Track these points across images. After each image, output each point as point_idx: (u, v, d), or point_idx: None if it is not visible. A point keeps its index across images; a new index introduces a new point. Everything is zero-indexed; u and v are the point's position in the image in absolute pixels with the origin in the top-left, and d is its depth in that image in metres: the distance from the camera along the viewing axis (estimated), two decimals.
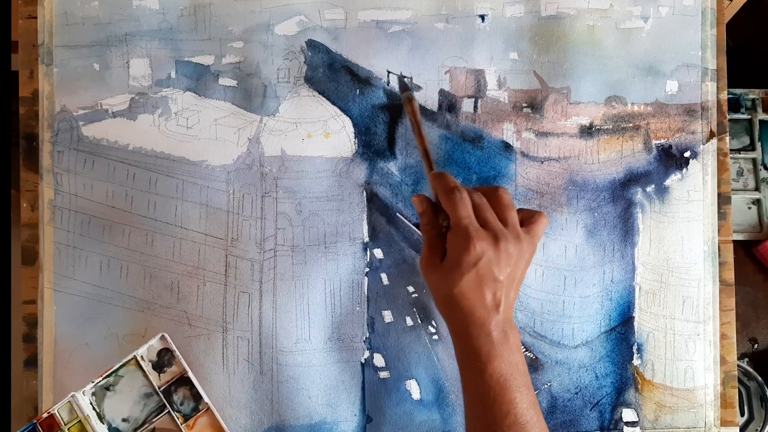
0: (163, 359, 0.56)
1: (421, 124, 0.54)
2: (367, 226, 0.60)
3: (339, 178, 0.60)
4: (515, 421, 0.43)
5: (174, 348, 0.56)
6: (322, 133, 0.60)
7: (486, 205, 0.47)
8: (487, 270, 0.44)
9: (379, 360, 0.59)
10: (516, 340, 0.46)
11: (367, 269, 0.59)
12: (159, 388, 0.56)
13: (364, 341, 0.59)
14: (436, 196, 0.50)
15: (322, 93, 0.60)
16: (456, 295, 0.45)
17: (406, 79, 0.60)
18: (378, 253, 0.59)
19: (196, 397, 0.56)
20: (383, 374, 0.59)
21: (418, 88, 0.60)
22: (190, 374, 0.56)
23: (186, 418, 0.56)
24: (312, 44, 0.60)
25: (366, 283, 0.59)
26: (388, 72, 0.60)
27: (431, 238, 0.48)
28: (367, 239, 0.60)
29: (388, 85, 0.60)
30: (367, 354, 0.59)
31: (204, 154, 0.59)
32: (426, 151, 0.53)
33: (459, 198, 0.46)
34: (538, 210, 0.51)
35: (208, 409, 0.56)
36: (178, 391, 0.56)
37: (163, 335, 0.56)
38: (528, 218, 0.49)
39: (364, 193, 0.60)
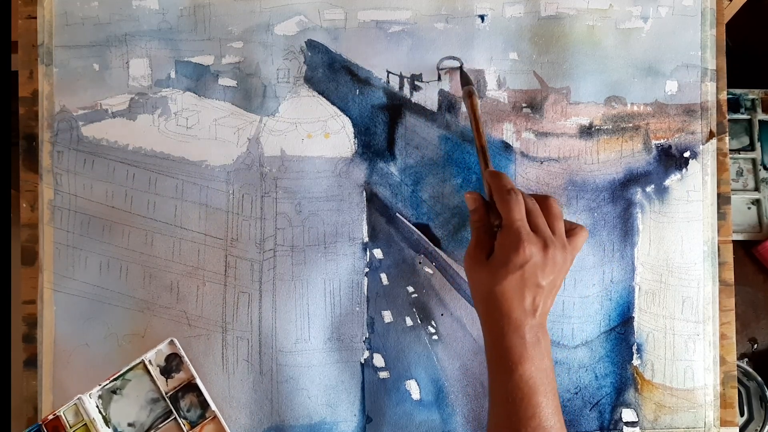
0: (171, 364, 0.56)
1: (481, 120, 0.54)
2: (366, 226, 0.60)
3: (339, 178, 0.60)
4: (539, 424, 0.43)
5: (183, 353, 0.56)
6: (321, 133, 0.60)
7: (539, 212, 0.49)
8: (532, 274, 0.45)
9: (378, 360, 0.59)
10: (548, 346, 0.47)
11: (367, 269, 0.59)
12: (166, 393, 0.56)
13: (363, 341, 0.59)
14: (489, 194, 0.51)
15: (321, 93, 0.60)
16: (497, 293, 0.45)
17: (382, 80, 0.59)
18: (378, 253, 0.59)
19: (203, 405, 0.56)
20: (383, 374, 0.59)
21: (419, 88, 0.60)
22: (198, 381, 0.56)
23: (192, 425, 0.55)
24: (312, 44, 0.60)
25: (366, 283, 0.59)
26: (388, 72, 0.60)
27: (480, 234, 0.50)
28: (366, 239, 0.60)
29: (388, 84, 0.60)
30: (366, 354, 0.59)
31: (204, 154, 0.59)
32: (483, 148, 0.53)
33: (515, 200, 0.47)
34: (579, 223, 0.52)
35: (215, 417, 0.56)
36: (185, 398, 0.56)
37: (172, 340, 0.56)
38: (570, 230, 0.50)
39: (364, 193, 0.60)
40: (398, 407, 0.59)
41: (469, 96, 0.54)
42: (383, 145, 0.60)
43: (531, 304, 0.46)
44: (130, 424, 0.55)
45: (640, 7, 0.61)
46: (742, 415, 0.77)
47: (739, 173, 0.81)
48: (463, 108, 0.60)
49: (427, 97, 0.60)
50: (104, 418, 0.55)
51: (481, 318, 0.49)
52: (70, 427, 0.53)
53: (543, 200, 0.50)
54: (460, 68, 0.59)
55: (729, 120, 0.65)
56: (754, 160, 0.81)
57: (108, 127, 0.59)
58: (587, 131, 0.61)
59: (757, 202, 0.81)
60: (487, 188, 0.51)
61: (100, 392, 0.55)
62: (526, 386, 0.44)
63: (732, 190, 0.74)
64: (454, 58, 0.60)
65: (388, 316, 0.59)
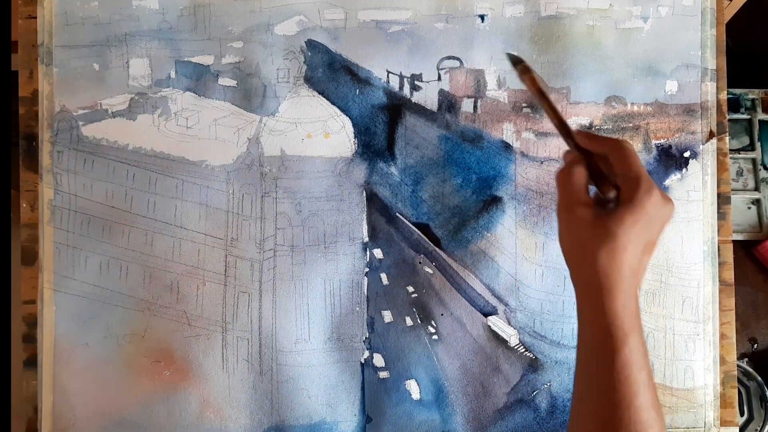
0: None
1: (548, 92, 0.48)
2: (366, 226, 0.60)
3: (339, 178, 0.60)
4: (643, 404, 0.39)
5: None
6: (321, 133, 0.60)
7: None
8: (653, 226, 0.41)
9: (378, 360, 0.59)
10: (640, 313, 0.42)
11: (367, 269, 0.59)
12: None
13: (363, 341, 0.59)
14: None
15: (321, 93, 0.60)
16: (619, 245, 0.40)
17: (382, 80, 0.58)
18: (378, 253, 0.59)
19: None
20: (383, 374, 0.59)
21: (419, 88, 0.60)
22: None
23: None
24: (312, 44, 0.60)
25: (366, 283, 0.59)
26: (388, 72, 0.60)
27: (581, 177, 0.43)
28: (366, 239, 0.60)
29: (387, 84, 0.60)
30: (366, 354, 0.59)
31: (204, 154, 0.59)
32: (561, 121, 0.45)
33: (634, 150, 0.42)
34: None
35: None
36: None
37: None
38: None
39: (364, 193, 0.60)
40: (398, 407, 0.59)
41: (526, 72, 0.46)
42: (383, 145, 0.60)
43: (643, 263, 0.41)
44: None
45: (640, 7, 0.61)
46: (742, 415, 0.77)
47: (739, 173, 0.81)
48: (463, 108, 0.60)
49: (427, 97, 0.60)
50: None
51: (583, 273, 0.42)
52: None
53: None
54: (507, 54, 0.55)
55: (729, 120, 0.65)
56: (754, 160, 0.81)
57: (108, 127, 0.59)
58: (587, 131, 0.61)
59: (757, 202, 0.81)
60: (581, 152, 0.45)
61: None
62: (634, 362, 0.39)
63: (732, 190, 0.74)
64: (454, 58, 0.60)
65: (388, 316, 0.59)
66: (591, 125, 0.61)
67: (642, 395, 0.39)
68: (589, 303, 0.42)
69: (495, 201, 0.60)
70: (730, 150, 0.63)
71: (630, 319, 0.40)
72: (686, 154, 0.61)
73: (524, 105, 0.61)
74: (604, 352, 0.40)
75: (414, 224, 0.60)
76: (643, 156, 0.61)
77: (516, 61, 0.48)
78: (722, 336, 0.61)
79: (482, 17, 0.61)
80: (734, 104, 0.81)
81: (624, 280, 0.40)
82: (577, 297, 0.43)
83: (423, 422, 0.59)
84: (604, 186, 0.44)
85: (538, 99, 0.46)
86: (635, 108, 0.61)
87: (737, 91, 0.81)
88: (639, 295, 0.42)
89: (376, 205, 0.60)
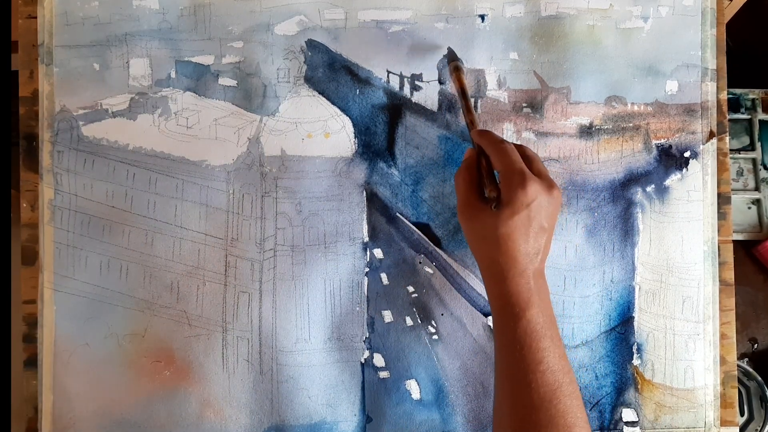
0: None
1: (467, 90, 0.54)
2: (367, 226, 0.60)
3: (339, 178, 0.60)
4: (548, 368, 0.43)
5: None
6: (322, 133, 0.60)
7: (538, 158, 0.49)
8: (537, 214, 0.45)
9: (378, 360, 0.59)
10: (548, 292, 0.47)
11: (367, 269, 0.59)
12: None
13: (363, 341, 0.59)
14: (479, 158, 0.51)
15: (322, 93, 0.60)
16: (502, 235, 0.45)
17: (382, 80, 0.60)
18: (378, 253, 0.59)
19: None
20: (383, 374, 0.59)
21: (419, 88, 0.60)
22: None
23: None
24: (312, 44, 0.60)
25: (366, 283, 0.59)
26: (388, 72, 0.60)
27: (470, 181, 0.49)
28: (367, 239, 0.60)
29: (388, 84, 0.60)
30: (366, 354, 0.59)
31: (204, 154, 0.59)
32: (470, 109, 0.53)
33: (510, 147, 0.47)
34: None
35: None
36: None
37: None
38: None
39: (364, 193, 0.60)
40: (398, 407, 0.59)
41: (456, 70, 0.55)
42: (383, 145, 0.60)
43: (534, 247, 0.45)
44: None
45: (640, 7, 0.61)
46: (742, 415, 0.77)
47: (740, 173, 0.81)
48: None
49: (427, 97, 0.60)
50: None
51: (484, 264, 0.48)
52: None
53: (529, 150, 0.51)
54: (448, 48, 0.60)
55: (729, 120, 0.65)
56: (754, 160, 0.81)
57: (108, 127, 0.59)
58: (587, 131, 0.61)
59: (757, 202, 0.81)
60: (477, 147, 0.50)
61: None
62: (533, 331, 0.44)
63: (732, 189, 0.74)
64: (453, 57, 0.60)
65: (388, 315, 0.59)
66: (591, 125, 0.61)
67: (546, 360, 0.44)
68: (489, 286, 0.47)
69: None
70: (730, 150, 0.63)
71: (526, 296, 0.45)
72: (686, 154, 0.61)
73: (524, 105, 0.61)
74: (506, 325, 0.45)
75: (414, 224, 0.60)
76: (644, 156, 0.61)
77: (451, 58, 0.56)
78: (722, 336, 0.61)
79: (482, 17, 0.61)
80: (734, 104, 0.81)
81: (516, 264, 0.45)
82: (483, 282, 0.49)
83: (423, 422, 0.59)
84: (489, 186, 0.48)
85: (459, 95, 0.54)
86: (635, 108, 0.61)
87: (737, 91, 0.81)
88: (544, 273, 0.48)
89: (376, 205, 0.60)
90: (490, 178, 0.49)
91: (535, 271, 0.46)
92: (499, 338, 0.46)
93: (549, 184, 0.46)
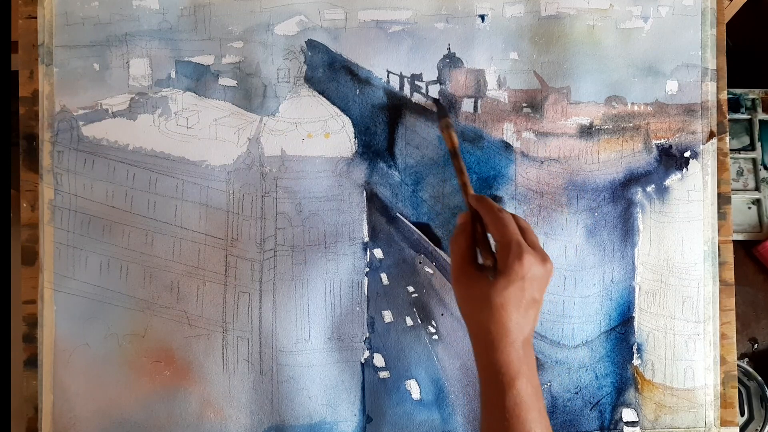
0: None
1: (458, 150, 0.53)
2: (367, 226, 0.60)
3: (339, 178, 0.60)
4: None
5: None
6: (322, 133, 0.60)
7: (531, 230, 0.49)
8: (530, 286, 0.46)
9: (379, 360, 0.59)
10: (535, 361, 0.47)
11: (367, 269, 0.59)
12: None
13: (364, 341, 0.59)
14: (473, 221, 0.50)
15: (322, 93, 0.60)
16: (496, 305, 0.45)
17: (382, 80, 0.59)
18: (378, 253, 0.59)
19: None
20: (383, 374, 0.59)
21: (418, 88, 0.60)
22: None
23: None
24: (312, 44, 0.60)
25: (366, 283, 0.59)
26: (388, 72, 0.60)
27: (466, 247, 0.49)
28: (367, 239, 0.60)
29: (388, 84, 0.60)
30: (367, 354, 0.59)
31: (204, 154, 0.59)
32: (462, 170, 0.52)
33: (508, 218, 0.48)
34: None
35: None
36: None
37: None
38: None
39: (364, 193, 0.60)
40: (398, 407, 0.59)
41: (446, 128, 0.52)
42: (383, 145, 0.60)
43: (526, 318, 0.46)
44: None
45: (640, 7, 0.61)
46: (742, 414, 0.77)
47: (740, 173, 0.81)
48: (464, 107, 0.60)
49: (427, 97, 0.60)
50: None
51: (474, 331, 0.48)
52: None
53: (522, 220, 0.51)
54: (437, 101, 0.59)
55: (729, 120, 0.65)
56: (754, 160, 0.81)
57: (108, 127, 0.59)
58: (587, 131, 0.61)
59: (757, 202, 0.81)
60: (472, 214, 0.50)
61: None
62: (522, 402, 0.44)
63: (732, 189, 0.74)
64: (452, 57, 0.60)
65: (388, 315, 0.59)
66: (591, 125, 0.61)
67: (534, 431, 0.44)
68: (480, 354, 0.47)
69: (495, 201, 0.60)
70: (730, 150, 0.63)
71: (517, 365, 0.45)
72: (686, 154, 0.61)
73: (524, 105, 0.61)
74: (495, 395, 0.45)
75: (414, 224, 0.60)
76: (644, 156, 0.61)
77: (442, 114, 0.56)
78: (722, 336, 0.61)
79: (482, 17, 0.61)
80: (734, 104, 0.81)
81: (509, 334, 0.45)
82: (473, 349, 0.48)
83: (423, 422, 0.59)
84: (484, 253, 0.48)
85: (452, 156, 0.52)
86: (635, 108, 0.61)
87: (737, 91, 0.81)
88: (532, 342, 0.48)
89: (376, 205, 0.60)
90: (485, 246, 0.49)
91: (524, 340, 0.46)
92: (486, 407, 0.47)
93: (543, 257, 0.46)
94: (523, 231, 0.48)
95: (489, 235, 0.49)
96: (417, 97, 0.60)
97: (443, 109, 0.57)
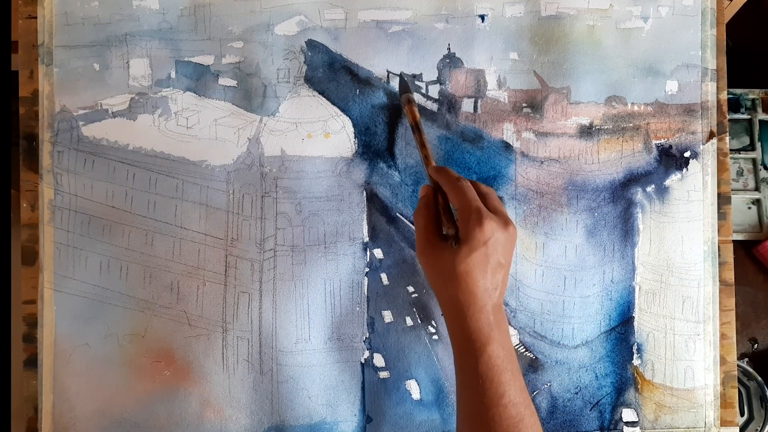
0: None
1: (420, 123, 0.54)
2: (367, 226, 0.60)
3: (339, 178, 0.60)
4: (510, 401, 0.44)
5: None
6: (322, 133, 0.60)
7: (494, 195, 0.50)
8: (494, 251, 0.46)
9: (379, 360, 0.59)
10: (507, 325, 0.48)
11: (367, 269, 0.59)
12: None
13: (364, 341, 0.59)
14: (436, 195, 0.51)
15: (322, 93, 0.60)
16: (461, 272, 0.45)
17: (407, 78, 0.60)
18: (378, 253, 0.59)
19: None
20: (383, 374, 0.59)
21: (418, 88, 0.60)
22: None
23: None
24: (312, 44, 0.60)
25: (366, 283, 0.59)
26: (388, 72, 0.60)
27: (428, 219, 0.49)
28: (367, 239, 0.60)
29: (388, 84, 0.60)
30: (367, 354, 0.59)
31: (204, 154, 0.59)
32: (424, 144, 0.53)
33: (467, 185, 0.48)
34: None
35: None
36: None
37: None
38: None
39: (364, 193, 0.60)
40: (398, 407, 0.59)
41: (408, 103, 0.55)
42: (383, 145, 0.60)
43: (492, 282, 0.46)
44: None
45: (640, 7, 0.61)
46: (742, 415, 0.77)
47: (740, 173, 0.81)
48: (464, 107, 0.60)
49: (428, 98, 0.60)
50: None
51: (444, 301, 0.48)
52: None
53: (484, 186, 0.52)
54: (400, 75, 0.59)
55: (729, 120, 0.65)
56: (754, 160, 0.81)
57: (108, 127, 0.59)
58: (587, 131, 0.61)
59: (757, 202, 0.81)
60: (434, 186, 0.51)
61: None
62: (495, 366, 0.45)
63: (732, 190, 0.74)
64: (451, 57, 0.60)
65: (388, 315, 0.59)
66: (591, 125, 0.61)
67: (508, 394, 0.44)
68: (450, 323, 0.48)
69: None
70: (730, 150, 0.63)
71: (487, 331, 0.45)
72: (686, 154, 0.61)
73: (524, 105, 0.61)
74: (468, 361, 0.46)
75: (414, 224, 0.60)
76: (644, 156, 0.61)
77: (404, 89, 0.56)
78: (722, 336, 0.61)
79: (482, 17, 0.61)
80: (734, 104, 0.81)
81: (477, 300, 0.46)
82: (444, 318, 0.49)
83: (423, 422, 0.59)
84: (447, 223, 0.49)
85: (413, 130, 0.54)
86: (635, 108, 0.61)
87: (737, 91, 0.81)
88: (503, 307, 0.48)
89: (376, 205, 0.60)
90: (447, 216, 0.49)
91: (494, 306, 0.46)
92: (460, 374, 0.47)
93: (505, 221, 0.47)
94: (485, 197, 0.49)
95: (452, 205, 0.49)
96: (417, 98, 0.60)
97: (406, 85, 0.57)
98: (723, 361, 0.61)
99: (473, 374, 0.45)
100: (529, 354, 0.59)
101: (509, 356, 0.46)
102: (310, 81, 0.60)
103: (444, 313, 0.49)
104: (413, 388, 0.59)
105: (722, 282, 0.61)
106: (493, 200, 0.49)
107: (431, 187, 0.51)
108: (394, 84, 0.60)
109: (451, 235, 0.48)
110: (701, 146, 0.61)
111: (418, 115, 0.55)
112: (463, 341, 0.46)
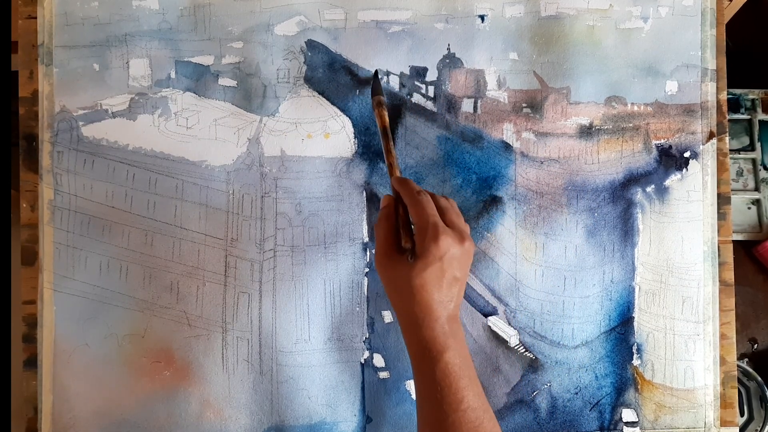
0: None
1: (389, 128, 0.54)
2: (366, 227, 0.60)
3: (339, 178, 0.60)
4: (469, 406, 0.45)
5: None
6: (321, 134, 0.60)
7: (452, 209, 0.50)
8: (449, 266, 0.47)
9: (378, 360, 0.59)
10: (462, 335, 0.49)
11: (367, 269, 0.59)
12: None
13: (363, 341, 0.59)
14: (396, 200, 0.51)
15: (321, 93, 0.60)
16: (416, 286, 0.46)
17: (382, 80, 0.59)
18: None
19: None
20: (383, 374, 0.59)
21: (418, 88, 0.60)
22: None
23: None
24: (312, 44, 0.60)
25: (366, 284, 0.59)
26: (388, 72, 0.60)
27: (387, 235, 0.50)
28: (366, 239, 0.60)
29: (388, 84, 0.60)
30: (366, 354, 0.59)
31: (204, 154, 0.59)
32: (390, 150, 0.53)
33: (426, 199, 0.49)
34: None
35: None
36: None
37: None
38: None
39: (364, 193, 0.60)
40: (398, 407, 0.59)
41: (378, 106, 0.55)
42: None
43: (448, 296, 0.47)
44: None
45: (640, 7, 0.61)
46: (742, 415, 0.77)
47: (739, 173, 0.81)
48: (464, 107, 0.60)
49: (427, 98, 0.60)
50: None
51: (400, 312, 0.49)
52: None
53: (443, 200, 0.52)
54: (375, 74, 0.58)
55: (729, 120, 0.65)
56: (754, 160, 0.81)
57: (108, 127, 0.59)
58: (587, 131, 0.61)
59: (757, 202, 0.81)
60: (395, 197, 0.51)
61: None
62: (451, 372, 0.45)
63: (732, 190, 0.74)
64: (451, 57, 0.60)
65: (388, 316, 0.59)
66: (591, 125, 0.61)
67: (467, 399, 0.45)
68: (406, 333, 0.48)
69: (495, 201, 0.60)
70: (730, 150, 0.63)
71: (443, 339, 0.46)
72: (686, 155, 0.61)
73: (524, 105, 0.61)
74: (425, 368, 0.46)
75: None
76: (644, 156, 0.61)
77: (375, 92, 0.56)
78: (722, 336, 0.61)
79: (482, 17, 0.61)
80: (734, 104, 0.81)
81: (432, 312, 0.46)
82: (401, 328, 0.49)
83: None
84: (405, 236, 0.49)
85: (381, 135, 0.53)
86: (635, 108, 0.61)
87: (737, 91, 0.81)
88: (458, 318, 0.49)
89: (376, 205, 0.60)
90: (406, 229, 0.50)
91: (449, 316, 0.47)
92: (419, 383, 0.47)
93: (461, 236, 0.47)
94: (443, 211, 0.49)
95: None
96: (417, 98, 0.60)
97: (378, 87, 0.57)
98: (723, 361, 0.61)
99: (431, 382, 0.46)
100: (529, 354, 0.59)
101: (466, 363, 0.47)
102: (310, 81, 0.60)
103: (400, 324, 0.49)
104: (413, 389, 0.59)
105: (722, 282, 0.61)
106: (451, 215, 0.49)
107: (393, 198, 0.51)
108: (394, 84, 0.60)
109: (408, 248, 0.49)
110: (701, 146, 0.61)
111: (387, 119, 0.54)
112: (420, 351, 0.47)
